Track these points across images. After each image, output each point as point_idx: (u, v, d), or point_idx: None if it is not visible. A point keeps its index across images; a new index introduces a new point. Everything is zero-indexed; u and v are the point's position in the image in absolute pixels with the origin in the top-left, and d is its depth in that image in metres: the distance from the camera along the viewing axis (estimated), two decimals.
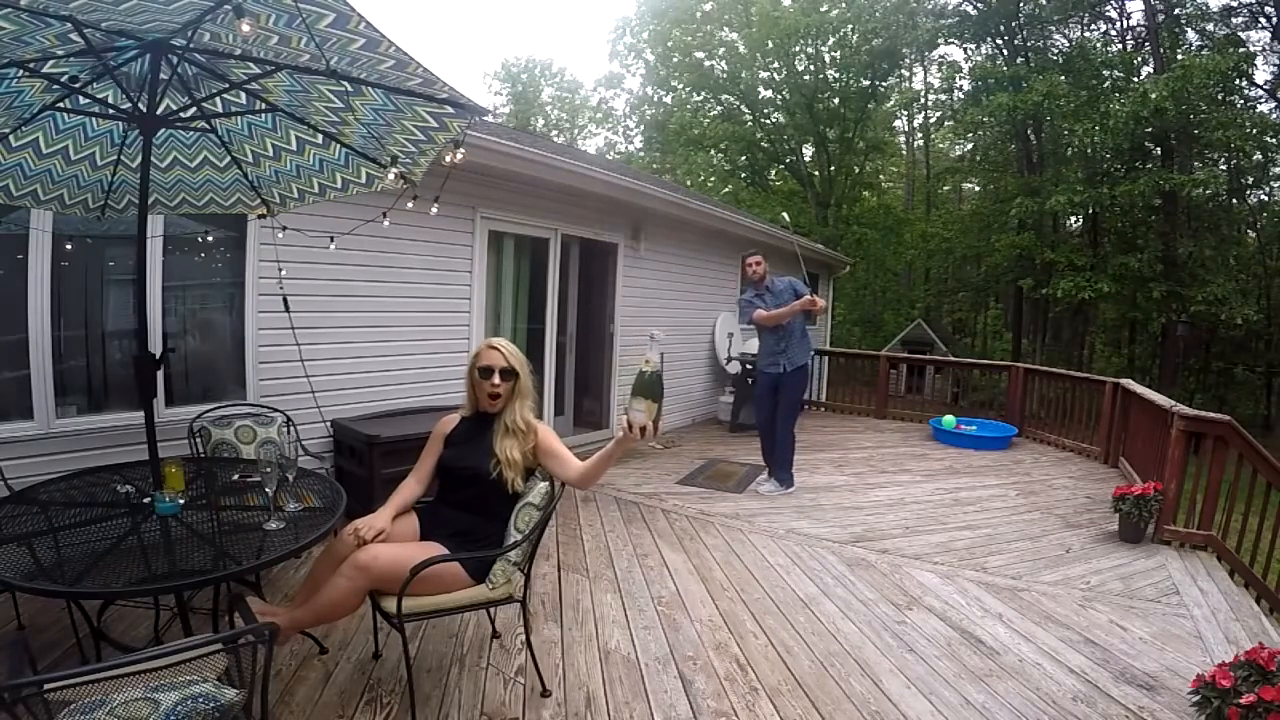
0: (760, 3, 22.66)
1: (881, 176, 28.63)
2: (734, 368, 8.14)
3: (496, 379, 2.36)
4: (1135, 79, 16.75)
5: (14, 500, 2.25)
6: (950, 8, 20.47)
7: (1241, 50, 15.58)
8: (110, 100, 2.30)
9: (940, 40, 21.12)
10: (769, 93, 25.04)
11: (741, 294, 5.43)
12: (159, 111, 2.11)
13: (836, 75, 23.41)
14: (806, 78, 23.60)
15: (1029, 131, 18.78)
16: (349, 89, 2.14)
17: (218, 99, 2.38)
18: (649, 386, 1.96)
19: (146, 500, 2.20)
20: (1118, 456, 6.42)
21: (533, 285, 5.95)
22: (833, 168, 24.42)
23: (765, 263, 5.10)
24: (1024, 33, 19.25)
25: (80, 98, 2.24)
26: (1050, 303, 18.55)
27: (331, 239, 3.40)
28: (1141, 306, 16.57)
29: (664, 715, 2.32)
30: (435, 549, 2.19)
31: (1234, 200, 17.88)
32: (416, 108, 2.21)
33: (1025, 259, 17.58)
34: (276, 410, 3.54)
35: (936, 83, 23.07)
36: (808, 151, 25.91)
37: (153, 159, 2.22)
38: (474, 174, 4.71)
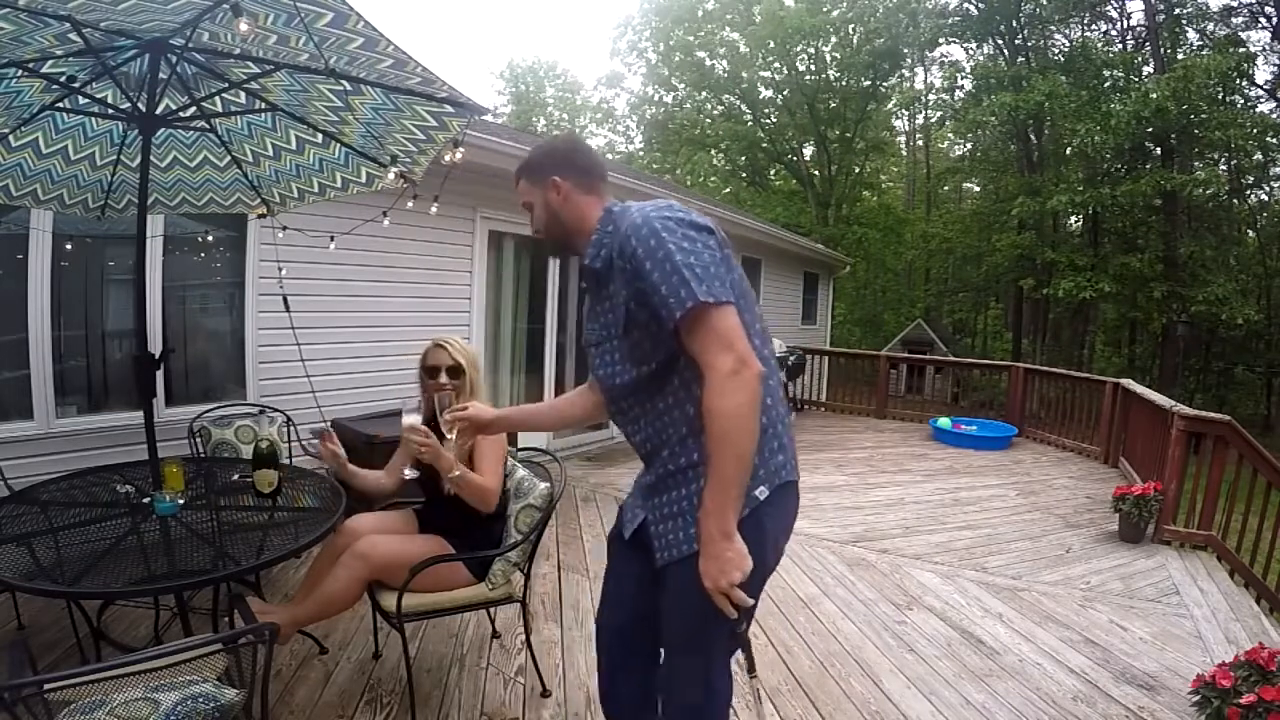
0: (765, 2, 22.66)
1: (882, 176, 28.64)
2: None
3: (443, 378, 2.25)
4: (1136, 79, 16.74)
5: (14, 500, 2.25)
6: (952, 7, 20.48)
7: (1242, 50, 15.59)
8: (109, 100, 2.30)
9: (941, 40, 21.13)
10: (770, 92, 25.06)
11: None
12: (158, 111, 2.11)
13: (837, 75, 23.42)
14: (808, 78, 23.61)
15: (1029, 131, 18.79)
16: (348, 88, 2.14)
17: (217, 98, 2.38)
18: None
19: (146, 500, 2.20)
20: (1118, 456, 6.42)
21: (533, 285, 5.94)
22: (833, 167, 24.42)
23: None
24: (1025, 32, 19.26)
25: (80, 98, 2.24)
26: (1050, 303, 18.55)
27: (331, 239, 3.40)
28: (1142, 306, 16.58)
29: None
30: (439, 543, 2.19)
31: (1234, 200, 17.89)
32: (416, 107, 2.21)
33: (1026, 259, 17.58)
34: (276, 410, 3.54)
35: (938, 82, 23.05)
36: (808, 151, 25.92)
37: (152, 159, 2.22)
38: (474, 174, 4.69)
